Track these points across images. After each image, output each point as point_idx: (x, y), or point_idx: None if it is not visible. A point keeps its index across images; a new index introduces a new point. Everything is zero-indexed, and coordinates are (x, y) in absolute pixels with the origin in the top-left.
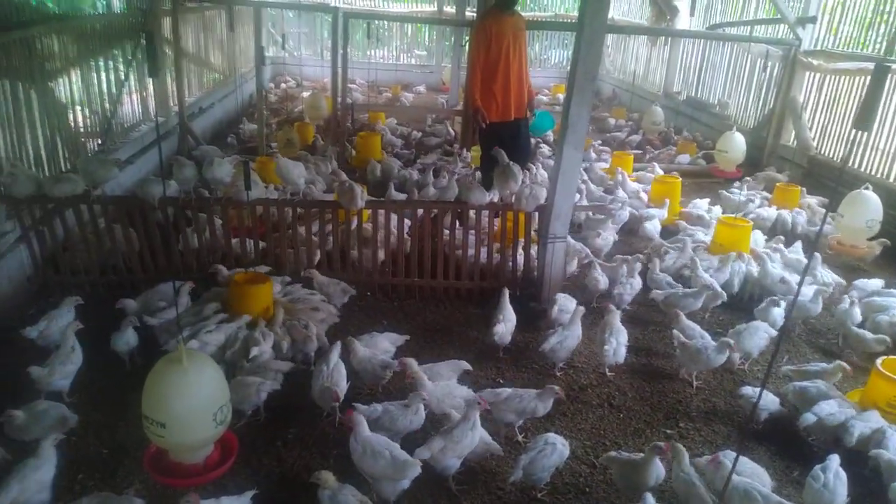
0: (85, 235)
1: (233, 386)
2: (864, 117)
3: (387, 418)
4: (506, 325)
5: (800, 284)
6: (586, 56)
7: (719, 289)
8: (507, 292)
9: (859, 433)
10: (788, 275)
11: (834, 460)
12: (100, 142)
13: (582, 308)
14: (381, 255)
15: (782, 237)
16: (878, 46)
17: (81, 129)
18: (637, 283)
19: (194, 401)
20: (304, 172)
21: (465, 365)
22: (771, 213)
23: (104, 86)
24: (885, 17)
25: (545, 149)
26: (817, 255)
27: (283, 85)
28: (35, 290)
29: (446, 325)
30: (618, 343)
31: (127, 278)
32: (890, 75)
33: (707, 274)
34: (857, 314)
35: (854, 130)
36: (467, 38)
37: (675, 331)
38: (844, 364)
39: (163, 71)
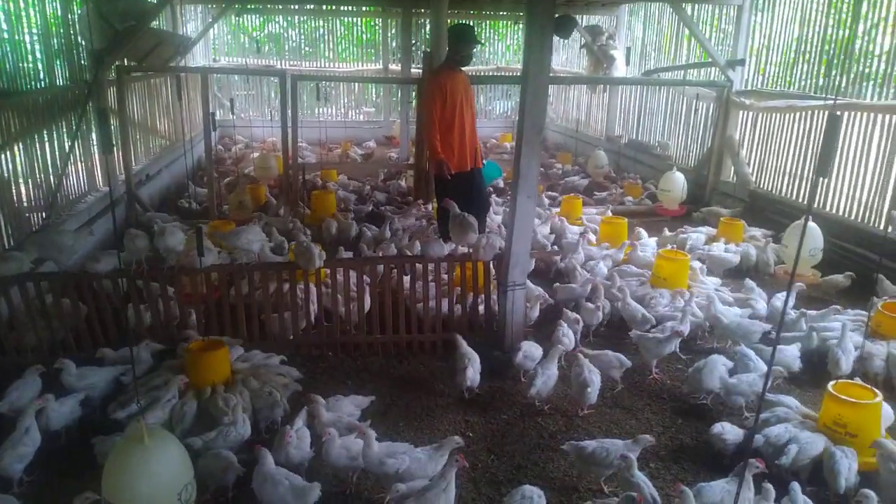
0: (32, 314)
1: (204, 460)
2: (824, 165)
3: (415, 466)
4: (473, 367)
5: (781, 317)
6: (532, 109)
7: (651, 317)
8: (460, 337)
9: (794, 454)
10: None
11: (796, 489)
12: (44, 215)
13: (561, 347)
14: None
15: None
16: (802, 83)
17: (25, 204)
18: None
19: (158, 481)
20: (259, 237)
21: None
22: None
23: (48, 158)
24: (806, 56)
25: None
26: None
27: (233, 148)
28: None
29: (411, 380)
30: (597, 383)
31: (78, 356)
32: (817, 113)
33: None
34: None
35: (815, 174)
36: (415, 94)
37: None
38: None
39: (116, 146)
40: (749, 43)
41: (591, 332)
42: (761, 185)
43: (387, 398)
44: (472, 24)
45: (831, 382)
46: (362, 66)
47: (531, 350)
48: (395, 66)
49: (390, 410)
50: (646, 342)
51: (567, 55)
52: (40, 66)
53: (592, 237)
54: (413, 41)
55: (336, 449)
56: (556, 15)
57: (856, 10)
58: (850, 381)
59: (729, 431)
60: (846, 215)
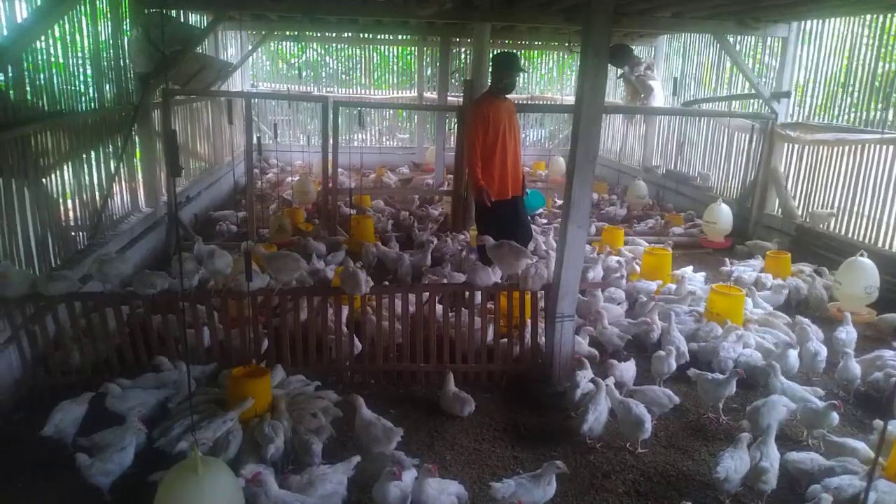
0: (78, 333)
1: None
2: None
3: (522, 491)
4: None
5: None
6: (585, 137)
7: (685, 352)
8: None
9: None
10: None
11: None
12: (89, 235)
13: (608, 381)
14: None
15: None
16: (846, 117)
17: (72, 223)
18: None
19: None
20: (300, 266)
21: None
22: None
23: (94, 178)
24: (850, 90)
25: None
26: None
27: (269, 173)
28: (23, 394)
29: None
30: (650, 419)
31: (122, 376)
32: (869, 147)
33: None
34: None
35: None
36: (455, 122)
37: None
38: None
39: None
40: (794, 75)
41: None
42: (808, 220)
43: (431, 430)
44: (517, 52)
45: None
46: (397, 93)
47: (588, 387)
48: (429, 94)
49: (436, 443)
50: (705, 383)
51: None
52: (90, 88)
53: (636, 267)
54: (450, 70)
55: (393, 490)
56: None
57: None
58: None
59: (804, 460)
60: None
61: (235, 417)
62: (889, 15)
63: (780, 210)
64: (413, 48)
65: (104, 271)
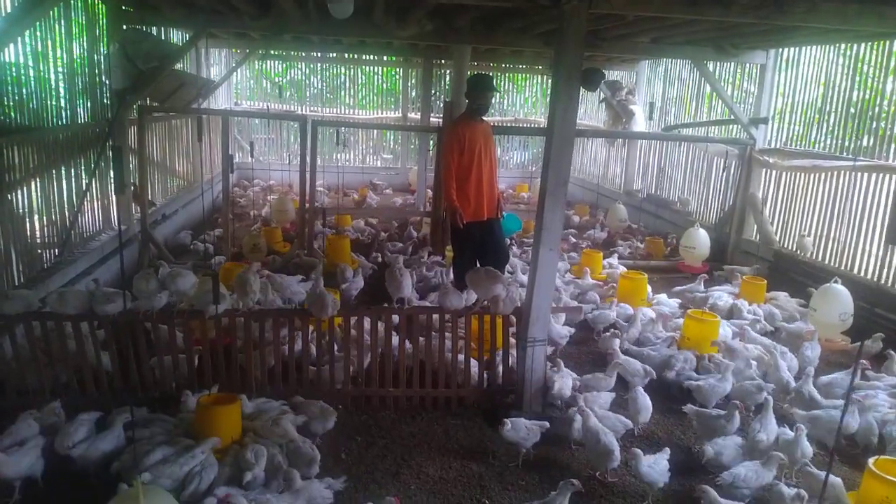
0: (36, 354)
1: None
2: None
3: None
4: None
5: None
6: (557, 161)
7: (652, 370)
8: None
9: None
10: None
11: None
12: (57, 252)
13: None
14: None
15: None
16: (825, 143)
17: (38, 240)
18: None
19: None
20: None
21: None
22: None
23: (64, 195)
24: (827, 117)
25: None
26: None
27: (249, 191)
28: None
29: (425, 439)
30: (618, 446)
31: (81, 399)
32: (843, 174)
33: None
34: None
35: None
36: (433, 143)
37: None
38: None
39: (129, 186)
40: (772, 101)
41: None
42: (785, 245)
43: (398, 458)
44: (491, 74)
45: (871, 459)
46: (382, 113)
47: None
48: (413, 115)
49: (401, 471)
50: (705, 420)
51: (585, 109)
52: (63, 104)
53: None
54: (433, 91)
55: None
56: (583, 67)
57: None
58: (889, 457)
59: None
60: (876, 279)
61: (207, 452)
62: (863, 44)
63: (757, 235)
64: (398, 69)
65: (64, 300)
